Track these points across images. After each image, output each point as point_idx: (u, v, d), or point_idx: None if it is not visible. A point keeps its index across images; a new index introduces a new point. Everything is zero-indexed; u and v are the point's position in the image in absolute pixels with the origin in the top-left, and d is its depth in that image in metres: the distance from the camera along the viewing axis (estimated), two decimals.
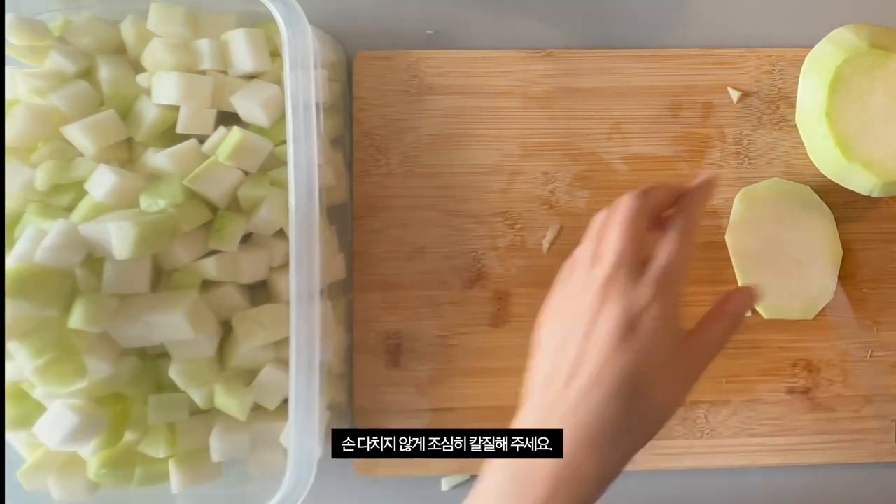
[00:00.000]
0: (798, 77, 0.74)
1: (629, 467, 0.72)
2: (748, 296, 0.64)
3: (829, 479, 0.77)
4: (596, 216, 0.63)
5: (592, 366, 0.56)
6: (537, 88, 0.77)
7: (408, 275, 0.75)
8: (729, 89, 0.77)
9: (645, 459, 0.74)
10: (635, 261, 0.58)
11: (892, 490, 0.77)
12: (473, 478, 0.74)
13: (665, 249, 0.59)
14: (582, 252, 0.62)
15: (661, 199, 0.63)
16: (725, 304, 0.62)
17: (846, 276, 0.77)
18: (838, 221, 0.76)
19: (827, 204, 0.76)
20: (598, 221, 0.62)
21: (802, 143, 0.74)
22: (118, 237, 0.61)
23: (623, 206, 0.61)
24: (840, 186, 0.72)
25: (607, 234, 0.60)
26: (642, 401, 0.56)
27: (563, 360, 0.57)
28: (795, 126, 0.76)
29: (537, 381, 0.59)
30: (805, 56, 0.73)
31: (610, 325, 0.56)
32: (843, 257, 0.76)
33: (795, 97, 0.75)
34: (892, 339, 0.77)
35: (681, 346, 0.58)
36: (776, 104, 0.78)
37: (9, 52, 0.69)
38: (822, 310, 0.76)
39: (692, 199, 0.63)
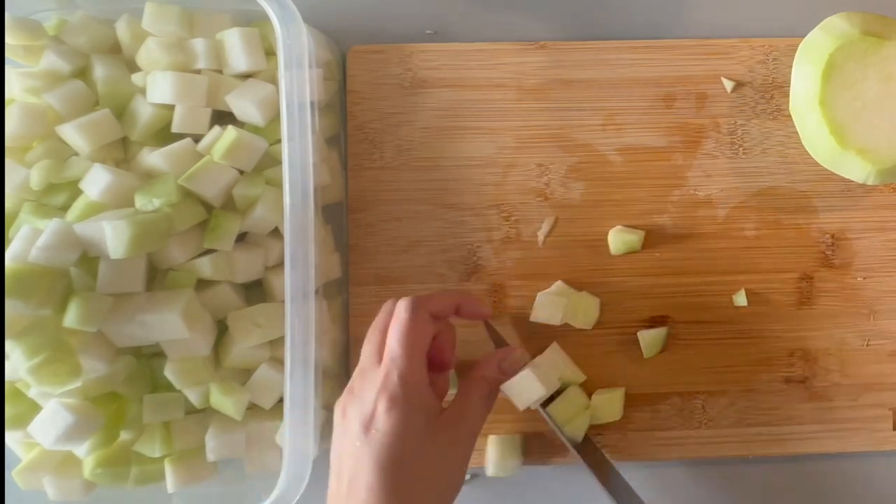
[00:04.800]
0: (791, 66, 0.71)
1: (627, 458, 0.72)
2: (505, 356, 0.66)
3: (827, 467, 0.75)
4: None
5: (349, 469, 0.58)
6: (531, 81, 0.74)
7: (403, 268, 0.73)
8: (723, 79, 0.75)
9: (643, 450, 0.73)
10: (370, 366, 0.61)
11: (890, 478, 0.75)
12: (473, 477, 0.73)
13: (393, 329, 0.61)
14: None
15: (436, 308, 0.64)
16: (478, 369, 0.65)
17: (842, 265, 0.74)
18: (833, 210, 0.74)
19: (821, 193, 0.74)
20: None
21: (797, 132, 0.72)
22: (113, 237, 0.59)
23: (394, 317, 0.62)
24: (835, 175, 0.69)
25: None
26: (408, 485, 0.58)
27: (336, 464, 0.60)
28: (789, 115, 0.73)
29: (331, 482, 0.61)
30: (798, 45, 0.70)
31: (350, 430, 0.59)
32: (838, 246, 0.74)
33: (789, 87, 0.72)
34: (889, 328, 0.74)
35: (435, 424, 0.60)
36: (770, 94, 0.75)
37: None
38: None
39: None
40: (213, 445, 0.64)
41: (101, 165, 0.64)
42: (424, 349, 0.61)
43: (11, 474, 0.63)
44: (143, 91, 0.67)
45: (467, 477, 0.73)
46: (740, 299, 0.73)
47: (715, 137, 0.74)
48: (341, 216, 0.73)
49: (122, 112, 0.68)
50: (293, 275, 0.60)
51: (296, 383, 0.60)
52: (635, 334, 0.73)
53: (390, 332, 0.61)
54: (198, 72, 0.68)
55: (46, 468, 0.63)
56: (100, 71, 0.67)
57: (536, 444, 0.71)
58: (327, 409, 0.68)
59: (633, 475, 0.72)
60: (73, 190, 0.65)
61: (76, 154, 0.66)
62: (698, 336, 0.73)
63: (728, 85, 0.74)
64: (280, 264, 0.66)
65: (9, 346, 0.58)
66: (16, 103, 0.65)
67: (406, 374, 0.59)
